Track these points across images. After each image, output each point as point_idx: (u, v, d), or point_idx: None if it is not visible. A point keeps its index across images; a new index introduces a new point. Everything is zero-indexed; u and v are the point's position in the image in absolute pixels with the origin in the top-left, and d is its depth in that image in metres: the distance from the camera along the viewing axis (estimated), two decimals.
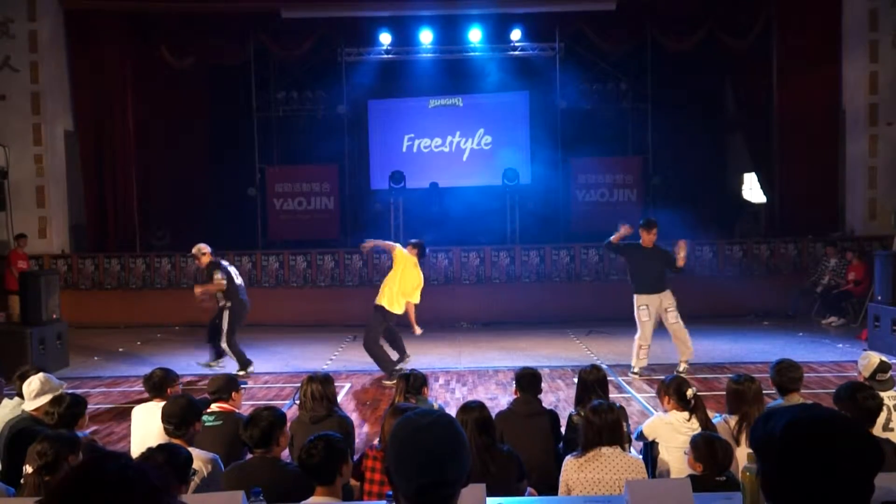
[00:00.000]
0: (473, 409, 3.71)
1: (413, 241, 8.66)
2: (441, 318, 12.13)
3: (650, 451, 4.22)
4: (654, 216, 13.27)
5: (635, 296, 8.23)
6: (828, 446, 1.29)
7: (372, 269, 13.00)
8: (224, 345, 8.67)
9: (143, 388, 7.21)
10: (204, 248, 8.80)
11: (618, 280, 12.11)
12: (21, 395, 4.48)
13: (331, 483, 2.98)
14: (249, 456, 3.69)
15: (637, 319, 8.23)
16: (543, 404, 4.68)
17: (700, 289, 12.15)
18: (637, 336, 8.26)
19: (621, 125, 15.13)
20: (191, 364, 9.21)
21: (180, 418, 3.72)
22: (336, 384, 5.02)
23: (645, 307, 8.15)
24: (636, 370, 8.24)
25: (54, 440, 3.32)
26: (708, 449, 3.45)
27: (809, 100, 13.30)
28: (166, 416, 3.76)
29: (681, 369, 8.15)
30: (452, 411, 6.35)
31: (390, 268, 8.64)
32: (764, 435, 1.36)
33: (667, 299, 8.15)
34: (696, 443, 3.52)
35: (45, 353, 8.75)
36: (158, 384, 4.68)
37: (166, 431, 3.76)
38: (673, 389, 4.18)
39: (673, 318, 8.12)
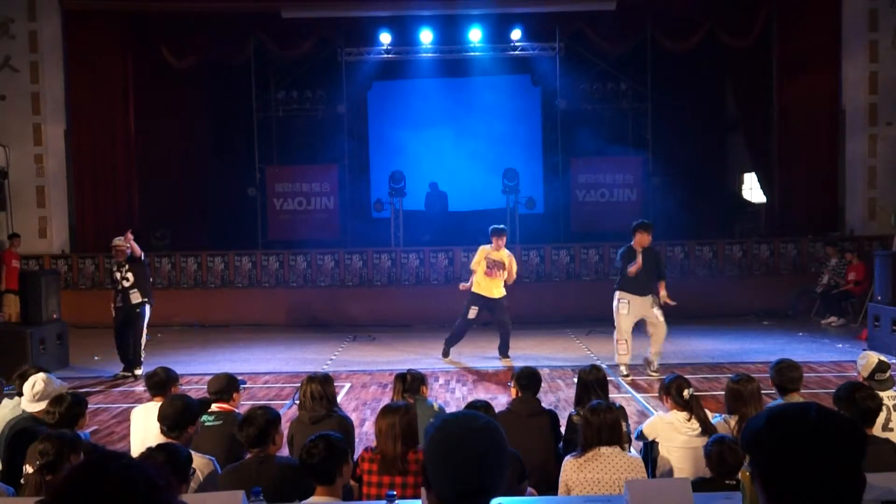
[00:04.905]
0: (478, 409, 3.70)
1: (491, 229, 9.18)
2: (441, 317, 12.12)
3: (650, 450, 4.22)
4: (655, 216, 13.36)
5: (617, 291, 8.30)
6: (813, 431, 1.31)
7: (372, 269, 13.01)
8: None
9: (143, 388, 7.21)
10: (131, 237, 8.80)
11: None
12: (21, 395, 4.48)
13: (331, 483, 2.98)
14: (248, 456, 3.70)
15: (615, 313, 8.29)
16: (543, 404, 4.68)
17: (700, 289, 12.17)
18: (615, 332, 8.32)
19: (621, 125, 15.12)
20: (190, 363, 9.22)
21: (174, 421, 3.69)
22: (336, 384, 5.02)
23: (626, 302, 8.21)
24: (623, 369, 8.24)
25: (56, 439, 3.31)
26: (717, 455, 3.44)
27: (809, 100, 13.32)
28: (161, 417, 3.74)
29: (651, 358, 8.27)
30: (452, 411, 6.36)
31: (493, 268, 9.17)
32: (750, 432, 1.39)
33: (654, 300, 8.21)
34: (707, 451, 3.51)
35: (46, 353, 8.76)
36: (161, 383, 4.66)
37: (161, 432, 3.75)
38: (674, 389, 4.18)
39: (662, 317, 8.16)
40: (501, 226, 9.36)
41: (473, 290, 9.11)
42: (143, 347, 8.84)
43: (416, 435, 3.52)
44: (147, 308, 8.79)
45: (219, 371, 5.00)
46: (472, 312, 9.15)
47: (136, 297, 8.70)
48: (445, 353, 9.44)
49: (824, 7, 13.14)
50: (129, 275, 8.69)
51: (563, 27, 13.99)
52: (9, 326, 9.60)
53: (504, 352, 9.28)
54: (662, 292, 8.17)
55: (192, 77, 14.50)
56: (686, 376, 4.38)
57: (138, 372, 8.56)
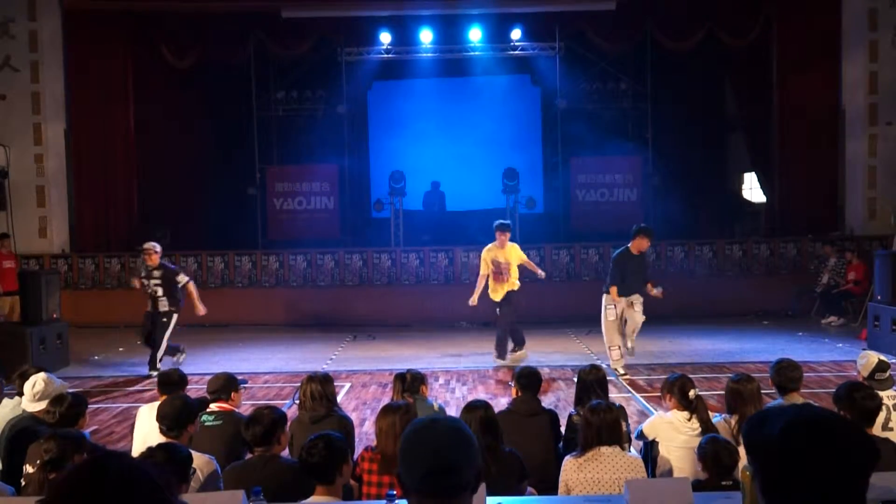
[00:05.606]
0: (478, 409, 3.69)
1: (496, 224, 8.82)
2: (441, 317, 12.14)
3: (650, 450, 4.22)
4: (654, 216, 13.37)
5: (605, 295, 8.25)
6: (828, 446, 1.29)
7: (372, 269, 13.02)
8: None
9: (143, 388, 7.20)
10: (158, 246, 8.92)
11: None
12: (21, 395, 4.48)
13: (331, 483, 2.98)
14: (249, 455, 3.70)
15: (603, 319, 8.26)
16: (543, 404, 4.68)
17: (700, 289, 12.18)
18: (605, 340, 8.29)
19: (621, 125, 15.13)
20: (190, 364, 9.21)
21: (172, 420, 3.68)
22: (336, 384, 5.02)
23: (612, 307, 8.19)
24: (620, 370, 8.23)
25: (61, 438, 3.31)
26: (713, 455, 3.43)
27: (809, 99, 13.32)
28: (160, 417, 3.74)
29: (629, 346, 8.30)
30: (452, 411, 6.36)
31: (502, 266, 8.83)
32: (760, 437, 1.37)
33: (637, 299, 8.22)
34: (702, 452, 3.50)
35: (46, 353, 8.76)
36: (173, 384, 4.63)
37: (161, 432, 3.75)
38: (677, 388, 4.18)
39: (639, 308, 8.16)
40: (507, 221, 9.02)
41: (490, 296, 8.81)
42: (162, 352, 8.80)
43: None
44: (174, 317, 8.83)
45: (219, 371, 5.00)
46: (500, 313, 8.90)
47: (163, 305, 8.78)
48: (514, 352, 8.91)
49: (824, 7, 13.14)
50: (158, 285, 8.74)
51: (563, 27, 13.99)
52: (9, 326, 9.59)
53: (501, 353, 8.92)
54: (653, 290, 8.17)
55: (193, 77, 14.49)
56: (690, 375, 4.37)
57: (154, 373, 8.51)
